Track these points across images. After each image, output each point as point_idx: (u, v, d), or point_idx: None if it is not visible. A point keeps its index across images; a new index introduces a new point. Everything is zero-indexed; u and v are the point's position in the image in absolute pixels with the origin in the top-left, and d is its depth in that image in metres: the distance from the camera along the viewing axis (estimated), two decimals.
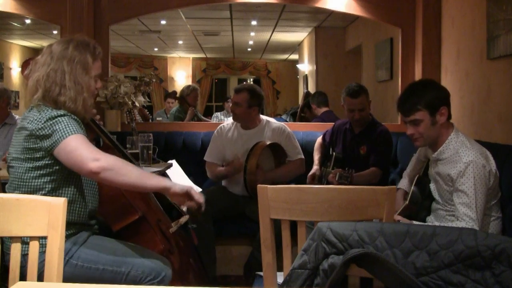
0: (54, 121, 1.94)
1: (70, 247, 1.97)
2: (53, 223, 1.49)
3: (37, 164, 1.97)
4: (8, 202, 1.54)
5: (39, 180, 1.97)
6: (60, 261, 1.49)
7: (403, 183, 2.75)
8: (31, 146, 1.96)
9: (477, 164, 2.21)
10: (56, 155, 1.94)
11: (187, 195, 1.98)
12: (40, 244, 1.53)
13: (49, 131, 1.93)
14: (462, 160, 2.25)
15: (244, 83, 7.18)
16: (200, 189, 3.73)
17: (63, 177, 2.01)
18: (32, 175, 1.97)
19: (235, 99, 3.52)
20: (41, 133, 1.93)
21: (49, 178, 1.98)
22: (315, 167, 3.65)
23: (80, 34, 2.19)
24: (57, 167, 1.98)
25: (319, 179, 3.58)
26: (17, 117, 4.14)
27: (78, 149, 1.90)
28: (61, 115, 1.96)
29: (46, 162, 1.97)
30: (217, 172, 3.55)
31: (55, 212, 1.50)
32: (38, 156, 1.96)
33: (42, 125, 1.93)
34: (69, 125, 1.94)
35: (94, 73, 2.11)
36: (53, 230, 1.49)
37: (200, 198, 2.00)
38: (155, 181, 1.99)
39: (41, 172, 1.97)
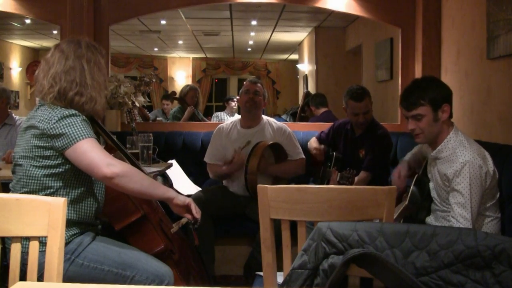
0: (66, 121, 1.95)
1: (76, 247, 1.98)
2: (53, 223, 1.49)
3: (47, 163, 1.97)
4: (8, 202, 1.54)
5: (48, 178, 1.98)
6: (60, 261, 1.49)
7: (407, 157, 2.76)
8: (42, 145, 1.96)
9: (474, 164, 2.21)
10: (68, 156, 1.96)
11: (186, 207, 2.10)
12: (40, 244, 1.53)
13: (61, 131, 1.94)
14: (458, 160, 2.25)
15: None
16: (199, 188, 3.74)
17: (72, 176, 2.02)
18: (41, 172, 1.98)
19: (255, 87, 3.57)
20: (53, 133, 1.94)
21: (58, 176, 1.99)
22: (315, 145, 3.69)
23: (82, 36, 2.20)
24: (66, 166, 1.99)
25: (322, 178, 3.57)
26: (17, 117, 4.13)
27: (91, 152, 1.93)
28: (72, 115, 1.97)
29: (56, 161, 1.98)
30: (219, 172, 3.54)
31: (55, 212, 1.50)
32: (48, 154, 1.97)
33: (54, 125, 1.94)
34: (82, 127, 1.96)
35: (105, 73, 2.15)
36: (53, 230, 1.49)
37: (198, 214, 2.11)
38: (162, 191, 2.08)
39: (51, 170, 1.98)
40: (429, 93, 2.32)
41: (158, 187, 2.10)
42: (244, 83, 3.73)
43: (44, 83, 2.04)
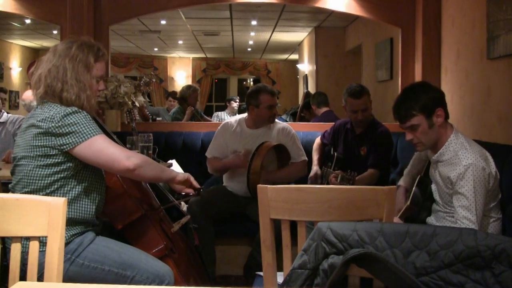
0: (71, 119, 1.95)
1: (76, 247, 1.98)
2: (53, 223, 1.49)
3: (48, 162, 1.97)
4: (8, 202, 1.54)
5: (50, 178, 1.98)
6: (60, 261, 1.49)
7: (404, 181, 2.75)
8: (43, 144, 1.96)
9: (477, 166, 2.20)
10: (77, 153, 1.96)
11: (187, 182, 2.26)
12: (40, 244, 1.53)
13: (69, 129, 1.94)
14: (461, 163, 2.23)
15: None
16: None
17: (73, 175, 2.02)
18: (42, 172, 1.98)
19: (276, 101, 3.55)
20: (59, 131, 1.94)
21: (59, 175, 1.99)
22: (315, 168, 3.65)
23: (86, 37, 2.22)
24: (67, 165, 1.99)
25: (321, 179, 3.57)
26: (9, 115, 4.15)
27: (108, 148, 1.98)
28: (74, 112, 1.98)
29: (58, 160, 1.98)
30: (220, 164, 3.51)
31: (55, 212, 1.50)
32: (51, 153, 1.97)
33: (59, 123, 1.94)
34: (89, 124, 1.98)
35: (96, 73, 2.12)
36: (53, 230, 1.49)
37: (197, 185, 2.30)
38: (168, 173, 2.24)
39: (52, 169, 1.98)
40: (419, 101, 2.29)
41: (165, 170, 2.26)
42: (263, 95, 3.46)
43: (34, 82, 2.08)
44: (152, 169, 2.10)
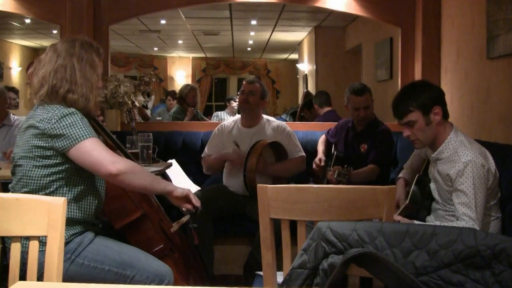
0: (66, 121, 1.95)
1: (76, 247, 1.98)
2: (53, 223, 1.49)
3: (46, 162, 1.97)
4: (8, 202, 1.54)
5: (48, 178, 1.98)
6: (60, 261, 1.49)
7: (403, 173, 2.75)
8: (42, 145, 1.96)
9: (476, 163, 2.21)
10: (70, 156, 1.96)
11: (186, 198, 2.13)
12: (40, 243, 1.53)
13: (63, 131, 1.94)
14: (461, 160, 2.24)
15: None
16: (199, 188, 3.74)
17: (72, 175, 2.02)
18: (41, 172, 1.98)
19: (250, 88, 3.56)
20: (54, 133, 1.94)
21: (58, 176, 1.99)
22: (320, 155, 3.69)
23: (81, 35, 2.21)
24: (66, 166, 1.99)
25: (322, 177, 3.57)
26: (15, 117, 4.13)
27: (95, 151, 1.95)
28: (71, 113, 1.97)
29: (56, 160, 1.98)
30: (212, 161, 3.54)
31: (55, 212, 1.50)
32: (48, 154, 1.97)
33: (54, 125, 1.94)
34: (83, 127, 1.97)
35: (99, 71, 2.13)
36: (53, 230, 1.49)
37: (197, 202, 2.16)
38: (163, 186, 2.13)
39: (50, 170, 1.98)
40: (417, 98, 2.32)
41: (159, 182, 2.14)
42: (243, 84, 3.75)
43: (35, 83, 2.05)
44: (139, 178, 2.01)
